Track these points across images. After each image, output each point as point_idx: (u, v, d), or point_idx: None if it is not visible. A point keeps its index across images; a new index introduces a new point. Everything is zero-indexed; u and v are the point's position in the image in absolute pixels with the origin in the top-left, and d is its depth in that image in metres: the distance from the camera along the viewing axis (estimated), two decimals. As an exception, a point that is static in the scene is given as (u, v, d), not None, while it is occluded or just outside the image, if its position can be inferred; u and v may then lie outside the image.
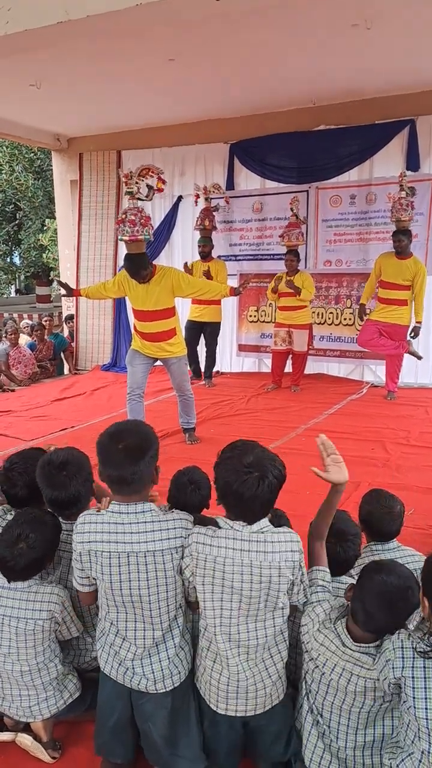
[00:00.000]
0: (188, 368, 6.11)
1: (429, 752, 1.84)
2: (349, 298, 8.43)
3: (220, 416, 6.87)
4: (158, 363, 5.86)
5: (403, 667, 1.89)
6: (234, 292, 5.76)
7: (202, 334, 8.39)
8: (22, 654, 2.35)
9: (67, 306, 11.64)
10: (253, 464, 2.01)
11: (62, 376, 10.29)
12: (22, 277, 29.86)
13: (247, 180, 9.12)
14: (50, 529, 2.44)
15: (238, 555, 2.03)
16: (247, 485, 1.99)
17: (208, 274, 7.81)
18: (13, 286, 29.91)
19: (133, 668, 2.17)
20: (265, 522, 2.09)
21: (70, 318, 11.13)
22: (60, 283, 6.48)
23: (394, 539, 2.66)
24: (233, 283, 8.48)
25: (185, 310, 7.95)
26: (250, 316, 9.24)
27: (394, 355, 7.37)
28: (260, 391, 8.00)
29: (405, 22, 5.73)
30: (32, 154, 22.00)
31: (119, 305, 10.03)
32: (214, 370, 8.79)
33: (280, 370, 8.12)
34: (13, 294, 29.33)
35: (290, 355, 8.02)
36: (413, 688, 1.85)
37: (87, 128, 9.88)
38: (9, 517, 2.72)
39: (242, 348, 9.44)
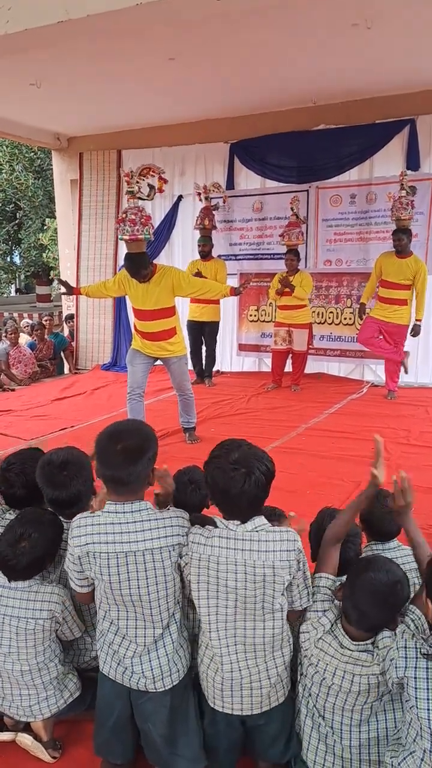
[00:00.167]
0: (188, 368, 6.11)
1: (431, 751, 1.84)
2: (349, 298, 8.42)
3: (221, 416, 6.87)
4: (158, 362, 5.86)
5: (406, 667, 1.89)
6: (234, 291, 5.77)
7: (202, 335, 8.39)
8: (23, 653, 2.35)
9: (68, 305, 11.64)
10: (239, 461, 2.02)
11: (62, 376, 10.29)
12: (23, 276, 29.84)
13: (248, 179, 9.11)
14: (52, 529, 2.44)
15: (232, 554, 2.04)
16: (233, 482, 2.00)
17: (199, 275, 7.77)
18: (13, 286, 29.90)
19: (132, 667, 2.17)
20: (260, 521, 2.08)
21: (70, 317, 11.12)
22: (60, 282, 6.49)
23: (395, 539, 2.65)
24: (233, 282, 8.48)
25: (185, 310, 7.95)
26: (251, 315, 9.24)
27: (392, 355, 7.37)
28: (260, 390, 8.00)
29: (405, 22, 5.72)
30: (32, 154, 21.97)
31: (119, 304, 10.03)
32: (215, 369, 8.79)
33: (281, 369, 8.12)
34: (13, 293, 29.33)
35: (290, 355, 8.02)
36: (416, 688, 1.86)
37: (87, 128, 9.88)
38: (8, 516, 2.72)
39: (242, 347, 9.43)
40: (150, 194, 5.52)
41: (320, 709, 2.16)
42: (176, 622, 2.22)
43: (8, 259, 26.93)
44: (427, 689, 1.85)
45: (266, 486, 2.05)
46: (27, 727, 2.50)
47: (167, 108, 8.61)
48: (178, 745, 2.20)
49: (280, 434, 6.01)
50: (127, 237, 5.21)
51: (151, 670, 2.16)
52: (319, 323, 8.62)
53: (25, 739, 2.45)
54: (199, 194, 8.77)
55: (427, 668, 1.87)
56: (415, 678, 1.87)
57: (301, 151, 8.48)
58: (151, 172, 5.57)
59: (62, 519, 2.56)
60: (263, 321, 9.11)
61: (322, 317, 8.65)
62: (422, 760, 1.86)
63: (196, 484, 2.71)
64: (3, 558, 2.35)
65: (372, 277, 7.45)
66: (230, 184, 9.10)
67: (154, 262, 5.65)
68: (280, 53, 6.57)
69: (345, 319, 8.50)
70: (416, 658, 1.89)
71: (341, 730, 2.12)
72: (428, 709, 1.83)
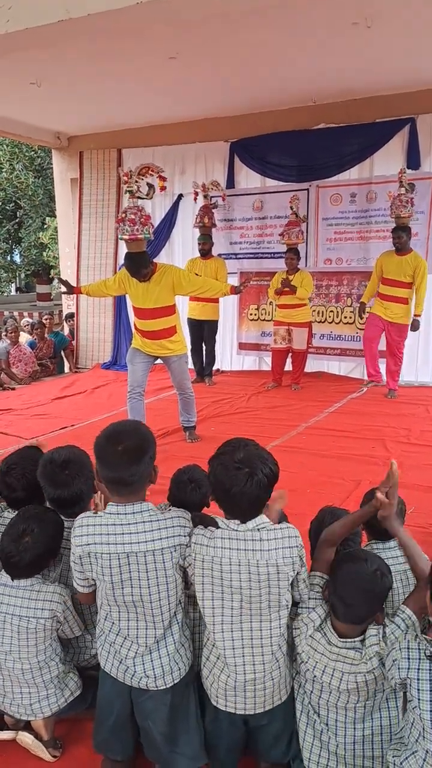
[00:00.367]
0: (188, 367, 6.11)
1: None
2: (349, 297, 8.42)
3: (221, 414, 6.87)
4: (159, 361, 5.86)
5: (408, 668, 1.90)
6: (234, 290, 5.78)
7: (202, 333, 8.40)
8: (23, 652, 2.36)
9: (68, 304, 11.64)
10: (243, 461, 2.02)
11: (63, 375, 10.29)
12: (23, 275, 29.84)
13: (248, 178, 9.12)
14: (54, 526, 2.44)
15: (235, 554, 2.04)
16: (235, 481, 2.00)
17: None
18: (13, 285, 29.91)
19: (134, 666, 2.17)
20: (261, 519, 2.08)
21: (70, 316, 11.12)
22: (61, 281, 6.49)
23: (395, 538, 2.65)
24: (234, 281, 8.48)
25: (184, 308, 7.95)
26: (251, 314, 9.24)
27: (394, 354, 7.38)
28: (260, 389, 8.00)
29: (405, 21, 5.73)
30: (33, 153, 21.98)
31: (120, 303, 10.03)
32: (215, 368, 8.79)
33: (281, 368, 8.12)
34: (13, 292, 29.33)
35: (290, 354, 8.02)
36: (418, 689, 1.86)
37: (87, 126, 9.88)
38: (6, 514, 2.72)
39: (242, 346, 9.43)
40: (149, 193, 5.52)
41: (315, 705, 2.17)
42: (178, 622, 2.22)
43: (8, 257, 26.93)
44: (430, 690, 1.85)
45: (268, 487, 2.05)
46: (27, 726, 2.50)
47: (167, 107, 8.61)
48: (179, 743, 2.20)
49: (280, 433, 6.01)
50: (126, 237, 5.21)
51: (153, 669, 2.16)
52: (319, 322, 8.62)
53: (25, 738, 2.45)
54: (196, 192, 8.76)
55: (430, 669, 1.87)
56: (418, 680, 1.87)
57: (301, 150, 8.49)
58: (150, 172, 5.56)
59: (63, 518, 2.56)
60: (263, 320, 9.10)
61: (322, 316, 8.65)
62: (425, 760, 1.86)
63: (196, 483, 2.71)
64: (7, 555, 2.35)
65: (373, 277, 7.46)
66: (230, 182, 9.10)
67: (155, 261, 5.65)
68: (280, 53, 6.57)
69: (345, 318, 8.50)
70: (419, 659, 1.90)
71: (336, 727, 2.13)
72: (431, 711, 1.84)
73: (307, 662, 2.13)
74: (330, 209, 8.58)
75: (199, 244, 8.33)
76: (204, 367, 8.56)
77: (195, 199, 8.83)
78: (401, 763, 1.92)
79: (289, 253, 7.68)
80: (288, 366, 8.13)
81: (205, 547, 2.07)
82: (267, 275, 8.47)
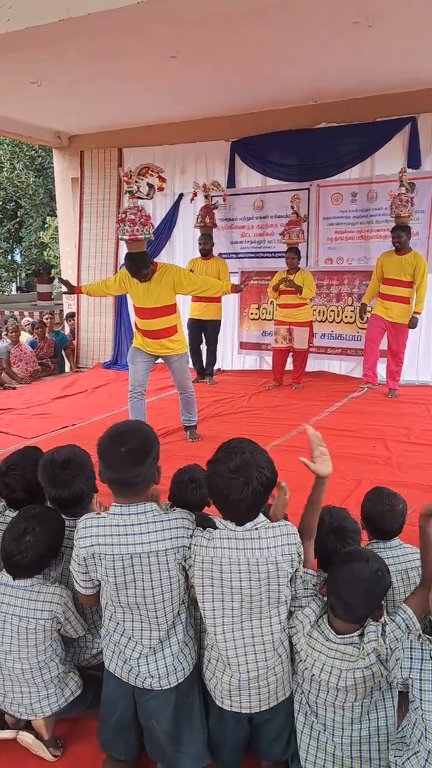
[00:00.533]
0: (189, 366, 6.11)
1: None
2: (350, 296, 8.42)
3: (222, 414, 6.87)
4: (159, 360, 5.86)
5: (411, 668, 1.89)
6: (235, 289, 5.78)
7: (203, 333, 8.39)
8: (24, 652, 2.36)
9: (68, 304, 11.64)
10: (239, 469, 2.00)
11: (63, 374, 10.29)
12: (23, 274, 29.88)
13: (248, 178, 9.11)
14: (55, 525, 2.45)
15: (234, 554, 2.04)
16: (231, 489, 1.99)
17: None
18: (14, 284, 29.94)
19: (138, 666, 2.18)
20: (259, 518, 2.09)
21: (71, 315, 11.12)
22: (61, 281, 6.49)
23: (396, 537, 2.66)
24: (235, 280, 8.47)
25: (186, 308, 7.95)
26: (252, 313, 9.24)
27: (395, 354, 7.38)
28: (261, 388, 8.00)
29: (405, 21, 5.72)
30: (33, 152, 22.00)
31: (120, 303, 10.03)
32: (215, 367, 8.79)
33: (281, 367, 8.11)
34: (14, 291, 29.37)
35: (291, 353, 8.02)
36: (420, 690, 1.86)
37: (88, 126, 9.88)
38: (7, 513, 2.72)
39: (243, 346, 9.43)
40: (149, 193, 5.51)
41: (313, 705, 2.18)
42: (182, 623, 2.22)
43: (9, 257, 26.97)
44: None
45: (264, 495, 2.04)
46: (28, 726, 2.51)
47: (168, 106, 8.60)
48: (183, 743, 2.21)
49: (281, 432, 6.00)
50: (127, 237, 5.21)
51: (157, 669, 2.17)
52: (320, 321, 8.62)
53: (26, 738, 2.46)
54: (195, 193, 8.76)
55: None
56: (420, 680, 1.87)
57: (301, 149, 8.48)
58: (150, 171, 5.56)
59: (65, 517, 2.56)
60: (264, 319, 9.10)
61: (323, 315, 8.64)
62: (426, 760, 1.86)
63: (197, 483, 2.71)
64: (9, 554, 2.35)
65: (373, 277, 7.46)
66: (231, 182, 9.09)
67: (155, 260, 5.65)
68: (280, 52, 6.56)
69: (346, 317, 8.50)
70: (422, 659, 1.89)
71: (333, 727, 2.13)
72: None
73: (305, 660, 2.13)
74: (331, 208, 8.58)
75: (199, 244, 8.31)
76: (205, 367, 8.55)
77: (192, 199, 8.82)
78: (403, 764, 1.92)
79: (290, 253, 7.68)
80: (289, 365, 8.12)
81: (204, 548, 2.07)
82: (268, 274, 8.46)
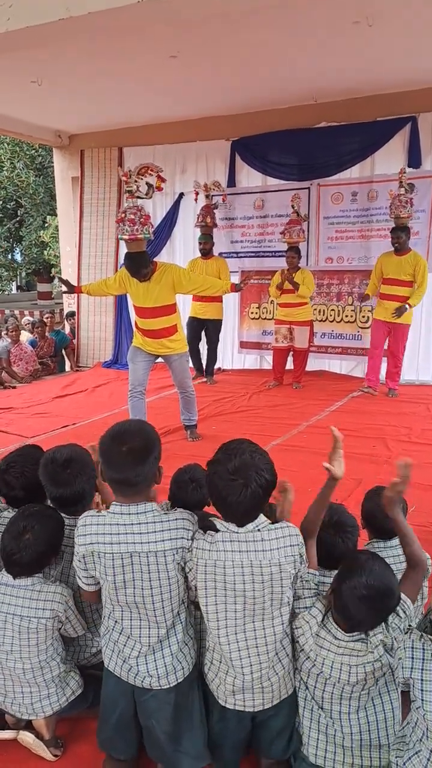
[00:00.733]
0: (189, 365, 6.11)
1: None
2: (350, 295, 8.41)
3: (222, 413, 6.87)
4: (159, 360, 5.86)
5: (412, 668, 1.89)
6: (235, 288, 5.78)
7: (203, 331, 8.39)
8: (24, 652, 2.36)
9: (69, 303, 11.64)
10: (237, 471, 2.00)
11: (63, 373, 10.30)
12: (24, 274, 29.88)
13: (249, 177, 9.11)
14: (54, 523, 2.44)
15: (237, 557, 2.03)
16: (230, 491, 1.99)
17: None
18: (14, 283, 29.93)
19: (137, 666, 2.17)
20: (260, 519, 2.08)
21: (71, 315, 11.12)
22: (61, 280, 6.49)
23: (396, 537, 2.65)
24: (235, 280, 8.47)
25: (187, 308, 7.95)
26: (252, 313, 9.23)
27: (395, 355, 7.38)
28: (262, 388, 8.00)
29: (406, 20, 5.72)
30: (33, 151, 21.99)
31: (121, 302, 10.03)
32: (216, 367, 8.79)
33: (282, 366, 8.12)
34: (14, 291, 29.36)
35: (291, 352, 8.02)
36: (422, 690, 1.86)
37: (88, 125, 9.88)
38: (6, 514, 2.72)
39: (244, 345, 9.43)
40: (148, 192, 5.51)
41: (319, 700, 2.17)
42: (181, 622, 2.22)
43: (9, 256, 26.96)
44: None
45: (264, 497, 2.03)
46: (29, 725, 2.50)
47: (168, 106, 8.60)
48: (182, 742, 2.20)
49: (281, 432, 6.01)
50: (126, 237, 5.20)
51: (156, 669, 2.16)
52: (320, 321, 8.61)
53: (26, 737, 2.45)
54: (197, 193, 8.76)
55: None
56: (422, 680, 1.87)
57: (302, 148, 8.48)
58: (149, 171, 5.56)
59: (66, 516, 2.55)
60: (264, 318, 9.10)
61: (323, 315, 8.64)
62: (428, 759, 1.86)
63: (197, 482, 2.70)
64: (8, 552, 2.34)
65: (372, 277, 7.48)
66: (231, 181, 9.10)
67: (155, 260, 5.65)
68: (280, 52, 6.56)
69: (346, 316, 8.50)
70: (423, 659, 1.89)
71: (341, 719, 2.14)
72: None
73: (315, 660, 2.12)
74: (331, 208, 8.58)
75: (200, 243, 8.31)
76: (206, 366, 8.55)
77: (196, 199, 8.82)
78: (404, 764, 1.92)
79: (290, 252, 7.68)
80: (289, 365, 8.13)
81: (207, 552, 2.07)
82: (268, 274, 8.46)
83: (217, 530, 2.10)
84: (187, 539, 2.12)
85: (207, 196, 8.64)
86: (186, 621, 2.24)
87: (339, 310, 8.55)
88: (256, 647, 2.10)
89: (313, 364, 8.59)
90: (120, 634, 2.20)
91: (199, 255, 8.34)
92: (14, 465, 2.72)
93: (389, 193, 7.48)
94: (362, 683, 2.08)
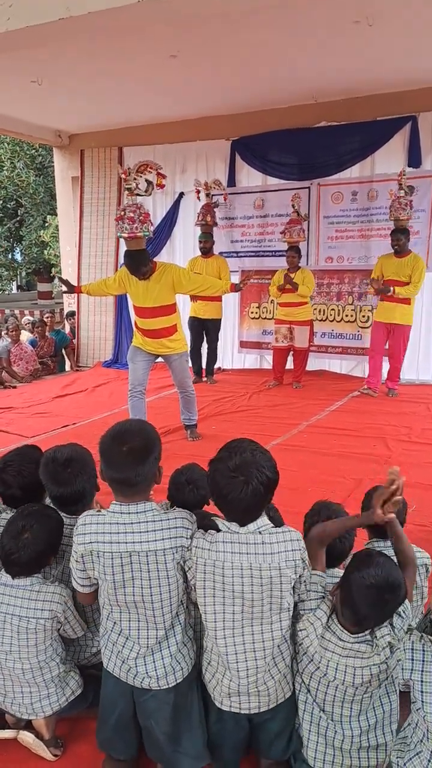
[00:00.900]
0: (189, 365, 6.11)
1: None
2: (350, 295, 8.41)
3: (222, 413, 6.87)
4: (159, 360, 5.86)
5: (412, 670, 1.89)
6: (235, 288, 5.78)
7: (204, 332, 8.39)
8: (24, 652, 2.36)
9: (69, 303, 11.64)
10: (238, 468, 1.99)
11: (63, 373, 10.29)
12: (24, 273, 29.89)
13: (249, 176, 9.11)
14: (53, 522, 2.44)
15: (237, 558, 2.02)
16: (231, 488, 1.98)
17: None
18: (14, 283, 29.94)
19: (136, 666, 2.17)
20: (262, 521, 2.07)
21: (71, 314, 11.13)
22: (61, 280, 6.49)
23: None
24: (235, 279, 8.47)
25: (186, 307, 7.95)
26: (252, 312, 9.23)
27: (395, 356, 7.38)
28: (262, 387, 8.00)
29: (405, 20, 5.72)
30: (33, 151, 22.01)
31: (121, 301, 10.03)
32: (216, 366, 8.79)
33: (282, 366, 8.12)
34: (14, 290, 29.36)
35: (291, 352, 8.02)
36: (422, 692, 1.86)
37: (88, 125, 9.88)
38: (4, 515, 2.72)
39: (244, 345, 9.43)
40: (148, 190, 5.50)
41: (320, 703, 2.17)
42: (180, 623, 2.21)
43: (9, 256, 26.98)
44: None
45: (265, 494, 2.02)
46: (29, 725, 2.50)
47: (168, 105, 8.60)
48: (182, 743, 2.20)
49: (281, 431, 6.01)
50: (126, 234, 5.20)
51: (155, 670, 2.16)
52: (320, 320, 8.61)
53: (26, 737, 2.45)
54: (198, 191, 8.76)
55: None
56: (422, 681, 1.87)
57: (302, 148, 8.48)
58: (148, 168, 5.55)
59: (66, 515, 2.55)
60: (264, 318, 9.10)
61: (323, 314, 8.64)
62: (429, 760, 1.86)
63: (194, 483, 2.71)
64: (7, 552, 2.34)
65: (372, 277, 7.45)
66: (231, 181, 9.09)
67: (155, 259, 5.64)
68: (281, 51, 6.56)
69: (346, 316, 8.50)
70: (423, 661, 1.89)
71: (342, 722, 2.13)
72: None
73: (318, 662, 2.12)
74: (331, 207, 8.57)
75: (200, 242, 8.31)
76: (206, 366, 8.55)
77: (198, 197, 8.82)
78: (405, 764, 1.92)
79: (291, 252, 7.68)
80: (289, 364, 8.13)
81: (207, 551, 2.06)
82: (268, 273, 8.46)
83: (218, 530, 2.09)
84: (187, 538, 2.11)
85: (207, 195, 8.64)
86: (185, 622, 2.24)
87: (339, 310, 8.55)
88: (254, 651, 2.09)
89: (313, 363, 8.59)
90: (119, 635, 2.20)
91: (199, 254, 8.34)
92: (11, 464, 2.72)
93: (389, 193, 7.48)
94: (366, 686, 2.07)
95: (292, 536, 2.08)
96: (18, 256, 27.88)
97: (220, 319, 8.47)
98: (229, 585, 2.04)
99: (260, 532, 2.05)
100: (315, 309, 8.45)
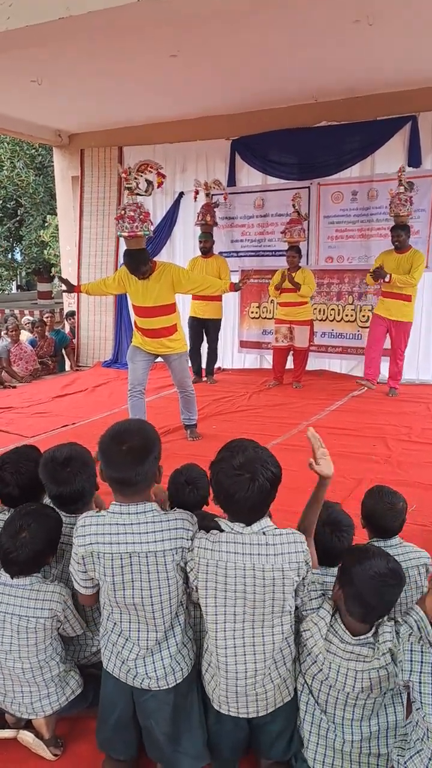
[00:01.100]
0: (188, 365, 6.11)
1: None
2: (350, 295, 8.41)
3: (222, 413, 6.87)
4: (159, 359, 5.86)
5: (411, 671, 1.89)
6: (234, 287, 5.78)
7: (204, 331, 8.39)
8: (24, 651, 2.35)
9: (69, 302, 11.64)
10: (243, 466, 1.99)
11: (63, 373, 10.29)
12: (24, 273, 29.90)
13: (249, 176, 9.11)
14: (52, 521, 2.44)
15: (240, 558, 2.02)
16: (237, 487, 1.98)
17: None
18: (14, 283, 29.95)
19: (136, 667, 2.17)
20: (266, 522, 2.07)
21: (71, 314, 11.12)
22: (61, 280, 6.48)
23: (397, 536, 2.65)
24: (235, 279, 8.47)
25: (186, 307, 7.95)
26: (252, 312, 9.23)
27: (396, 353, 7.38)
28: (262, 387, 8.00)
29: (405, 20, 5.72)
30: (33, 151, 22.02)
31: (121, 301, 10.02)
32: (216, 366, 8.79)
33: (282, 366, 8.12)
34: (14, 290, 29.36)
35: (291, 352, 8.02)
36: (421, 693, 1.86)
37: (88, 124, 9.88)
38: (2, 515, 2.71)
39: (244, 344, 9.43)
40: (148, 189, 5.50)
41: (322, 704, 2.16)
42: (180, 624, 2.21)
43: (9, 256, 26.99)
44: None
45: (271, 491, 2.02)
46: (28, 725, 2.50)
47: (168, 105, 8.60)
48: (182, 743, 2.20)
49: (281, 431, 6.00)
50: (126, 233, 5.19)
51: (155, 670, 2.16)
52: (320, 320, 8.61)
53: (26, 737, 2.45)
54: (197, 192, 8.76)
55: None
56: (420, 683, 1.87)
57: (302, 147, 8.47)
58: (148, 168, 5.55)
59: (63, 514, 2.55)
60: (264, 318, 9.10)
61: (323, 314, 8.64)
62: (430, 759, 1.87)
63: (194, 484, 2.71)
64: (5, 551, 2.34)
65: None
66: (231, 180, 9.09)
67: (154, 259, 5.64)
68: (281, 51, 6.55)
69: (346, 315, 8.49)
70: (422, 662, 1.89)
71: (343, 725, 2.12)
72: None
73: (322, 664, 2.11)
74: (331, 207, 8.57)
75: (200, 242, 8.30)
76: (206, 365, 8.55)
77: (195, 198, 8.82)
78: (406, 762, 1.92)
79: (291, 251, 7.68)
80: (289, 364, 8.12)
81: (209, 552, 2.06)
82: (268, 273, 8.45)
83: (221, 530, 2.09)
84: (187, 539, 2.11)
85: (207, 195, 8.64)
86: (185, 623, 2.23)
87: (339, 310, 8.55)
88: (254, 654, 2.08)
89: (314, 363, 8.59)
90: (119, 636, 2.20)
91: (199, 254, 8.34)
92: (9, 462, 2.72)
93: (390, 193, 7.48)
94: (367, 691, 2.06)
95: (296, 538, 2.07)
96: (18, 256, 27.89)
97: (220, 319, 8.47)
98: (231, 585, 2.03)
99: (264, 533, 2.04)
100: (315, 309, 8.45)
